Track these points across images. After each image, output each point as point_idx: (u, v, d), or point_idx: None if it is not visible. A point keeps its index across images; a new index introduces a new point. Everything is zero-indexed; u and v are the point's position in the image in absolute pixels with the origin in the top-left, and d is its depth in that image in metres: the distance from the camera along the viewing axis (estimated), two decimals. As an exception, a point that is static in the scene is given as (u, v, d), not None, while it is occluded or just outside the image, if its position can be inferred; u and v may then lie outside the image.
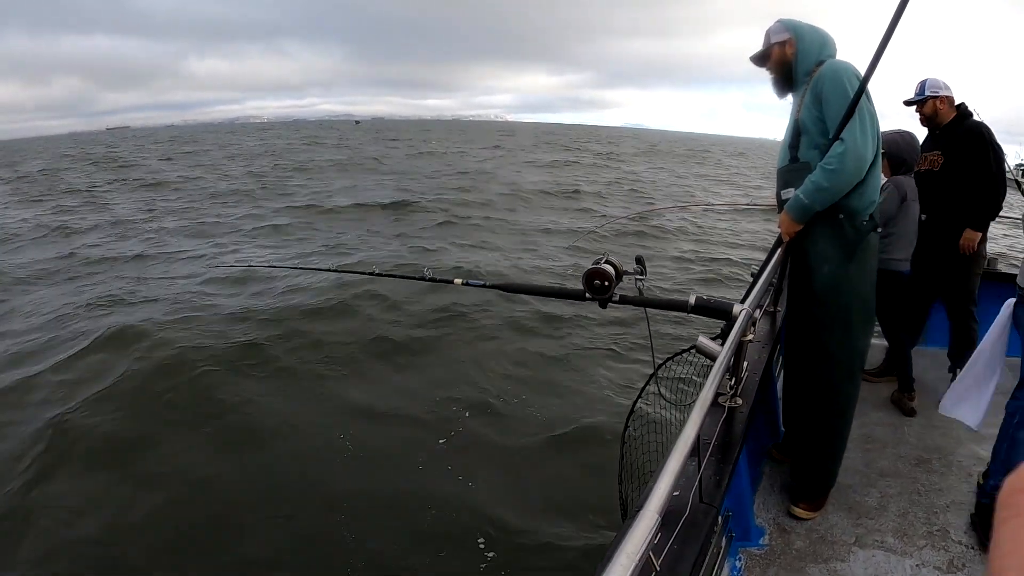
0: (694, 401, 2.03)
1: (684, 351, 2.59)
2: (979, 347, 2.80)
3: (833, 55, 2.55)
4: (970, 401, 2.80)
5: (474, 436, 4.91)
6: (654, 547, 1.06)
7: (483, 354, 6.61)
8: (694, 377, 2.54)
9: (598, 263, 2.13)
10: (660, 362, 2.57)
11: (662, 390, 2.51)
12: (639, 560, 0.97)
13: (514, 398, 5.57)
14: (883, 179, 2.82)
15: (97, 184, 25.34)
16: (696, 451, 1.56)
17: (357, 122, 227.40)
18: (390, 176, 26.37)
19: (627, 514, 2.49)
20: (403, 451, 4.65)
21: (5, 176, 31.91)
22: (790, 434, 3.04)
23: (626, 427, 2.57)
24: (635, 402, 2.59)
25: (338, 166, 31.43)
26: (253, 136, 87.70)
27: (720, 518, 1.89)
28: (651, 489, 1.12)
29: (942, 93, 3.72)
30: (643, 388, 2.61)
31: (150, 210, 17.39)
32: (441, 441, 4.82)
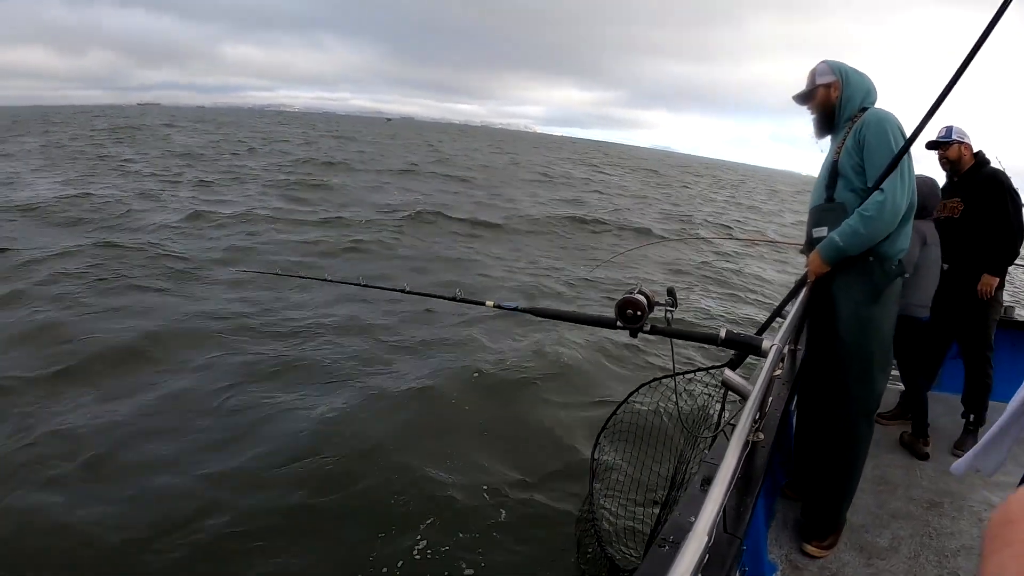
0: (720, 430, 2.04)
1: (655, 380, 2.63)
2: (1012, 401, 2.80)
3: (875, 102, 2.60)
4: (989, 450, 2.77)
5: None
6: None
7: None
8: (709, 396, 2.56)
9: (631, 293, 2.15)
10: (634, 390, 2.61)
11: (682, 418, 2.53)
12: None
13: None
14: None
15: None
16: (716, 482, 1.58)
17: (388, 120, 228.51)
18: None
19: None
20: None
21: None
22: (801, 472, 3.07)
23: (597, 441, 2.61)
24: (608, 420, 2.63)
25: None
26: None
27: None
28: (700, 510, 1.12)
29: (966, 140, 3.79)
30: (613, 412, 2.65)
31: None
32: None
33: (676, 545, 1.37)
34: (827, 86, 2.62)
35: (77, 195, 14.88)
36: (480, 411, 5.36)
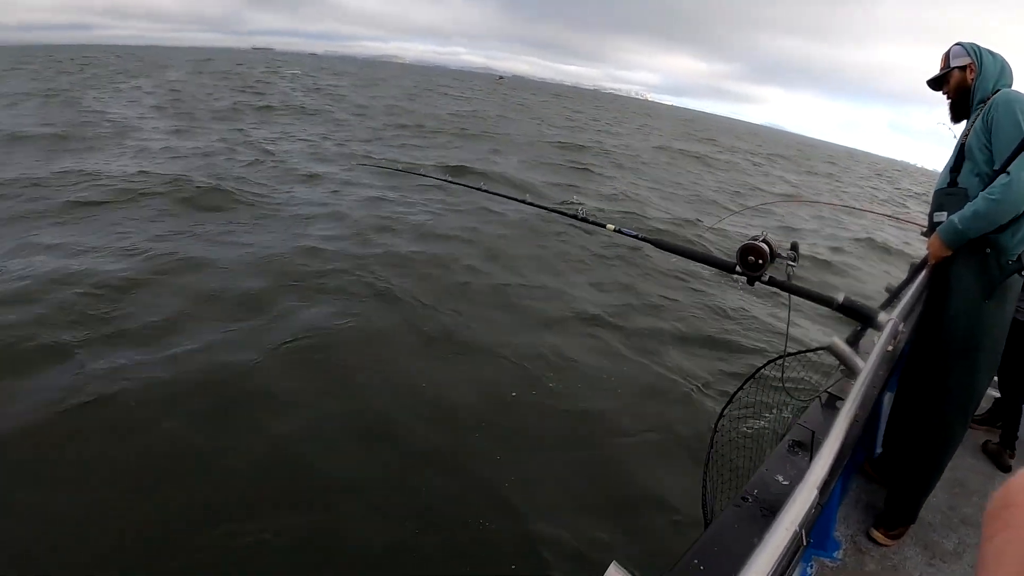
0: (808, 401, 2.04)
1: (793, 353, 2.60)
2: None
3: (1009, 84, 2.51)
4: None
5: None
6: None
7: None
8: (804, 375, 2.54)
9: (755, 239, 2.15)
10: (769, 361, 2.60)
11: (787, 387, 2.52)
12: (793, 533, 1.01)
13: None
14: None
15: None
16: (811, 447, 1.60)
17: (500, 78, 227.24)
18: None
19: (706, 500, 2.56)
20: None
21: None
22: (887, 455, 3.04)
23: (721, 415, 2.61)
24: (735, 393, 2.62)
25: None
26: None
27: None
28: (811, 463, 1.16)
29: None
30: (739, 387, 2.64)
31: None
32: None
33: (760, 501, 1.42)
34: (962, 68, 2.55)
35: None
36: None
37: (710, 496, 2.39)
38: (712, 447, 2.57)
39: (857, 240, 14.76)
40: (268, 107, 25.48)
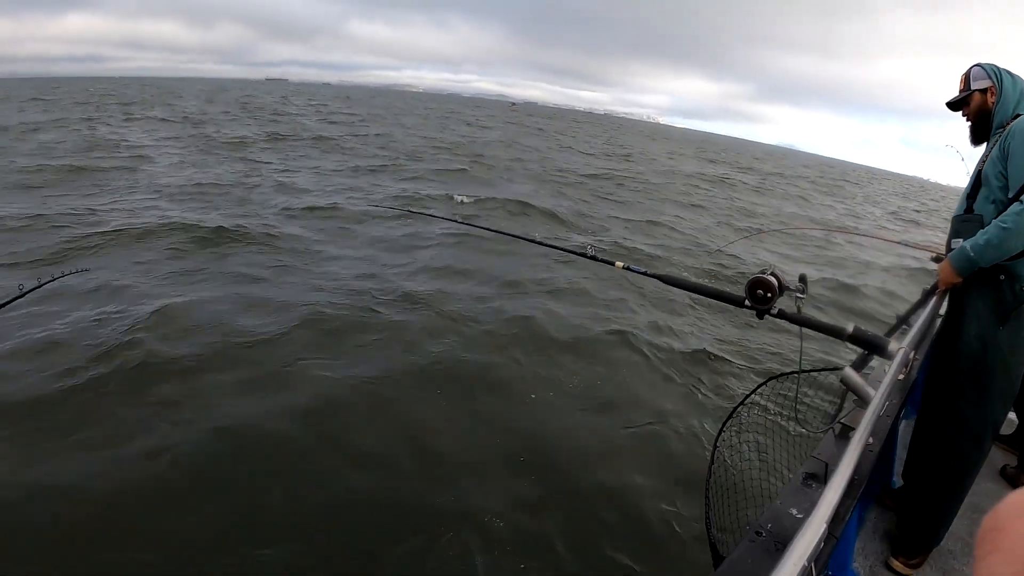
0: (832, 427, 2.05)
1: (787, 374, 2.61)
2: None
3: None
4: None
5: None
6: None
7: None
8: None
9: (763, 273, 2.14)
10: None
11: (798, 415, 2.53)
12: (802, 568, 1.00)
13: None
14: None
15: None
16: (825, 479, 1.60)
17: (514, 105, 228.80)
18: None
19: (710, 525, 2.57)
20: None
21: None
22: (908, 486, 2.99)
23: (719, 434, 2.63)
24: (732, 412, 2.64)
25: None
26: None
27: None
28: (817, 504, 1.16)
29: None
30: (740, 403, 2.66)
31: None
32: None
33: (773, 534, 1.42)
34: (983, 91, 2.51)
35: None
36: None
37: (713, 514, 2.41)
38: (712, 462, 2.59)
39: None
40: (279, 135, 25.72)
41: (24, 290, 2.89)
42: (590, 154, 32.20)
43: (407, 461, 4.43)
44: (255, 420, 4.67)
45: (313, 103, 56.47)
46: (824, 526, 1.09)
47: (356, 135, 29.80)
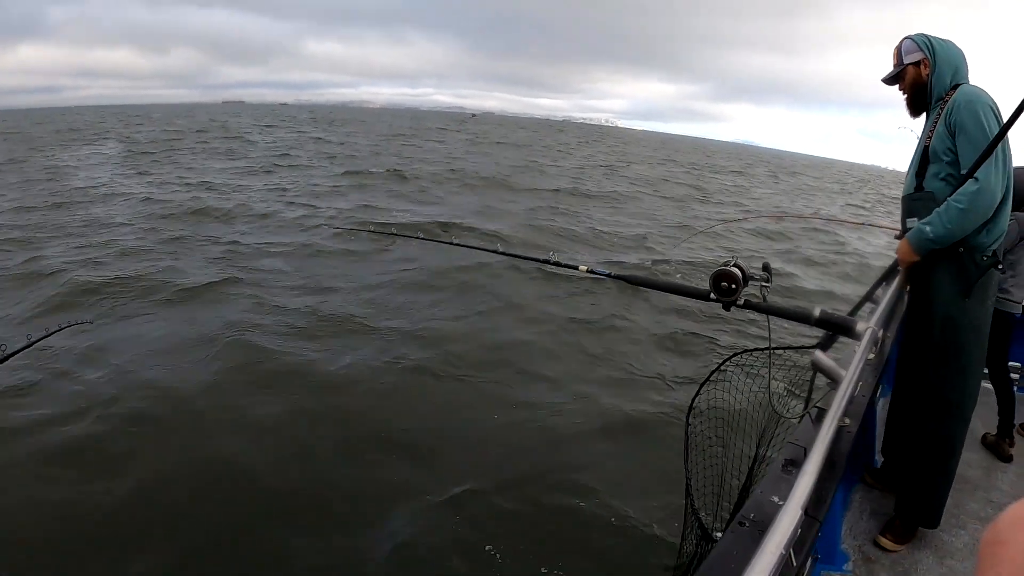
0: (807, 412, 2.05)
1: (752, 350, 2.63)
2: None
3: (966, 78, 2.48)
4: None
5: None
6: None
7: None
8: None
9: (727, 265, 2.14)
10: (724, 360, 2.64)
11: (774, 404, 2.53)
12: (781, 554, 1.00)
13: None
14: None
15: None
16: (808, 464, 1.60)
17: (473, 115, 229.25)
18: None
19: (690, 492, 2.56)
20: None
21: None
22: (889, 464, 3.03)
23: (691, 406, 2.64)
24: (699, 389, 2.65)
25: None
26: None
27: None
28: (791, 490, 1.16)
29: None
30: (706, 379, 2.67)
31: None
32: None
33: (757, 523, 1.41)
34: (916, 64, 2.51)
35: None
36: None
37: (695, 489, 2.41)
38: (688, 436, 2.60)
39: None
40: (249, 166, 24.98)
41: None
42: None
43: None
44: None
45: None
46: (800, 512, 1.08)
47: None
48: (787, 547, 1.01)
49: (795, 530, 1.06)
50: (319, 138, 40.32)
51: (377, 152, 31.73)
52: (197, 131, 45.88)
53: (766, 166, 64.22)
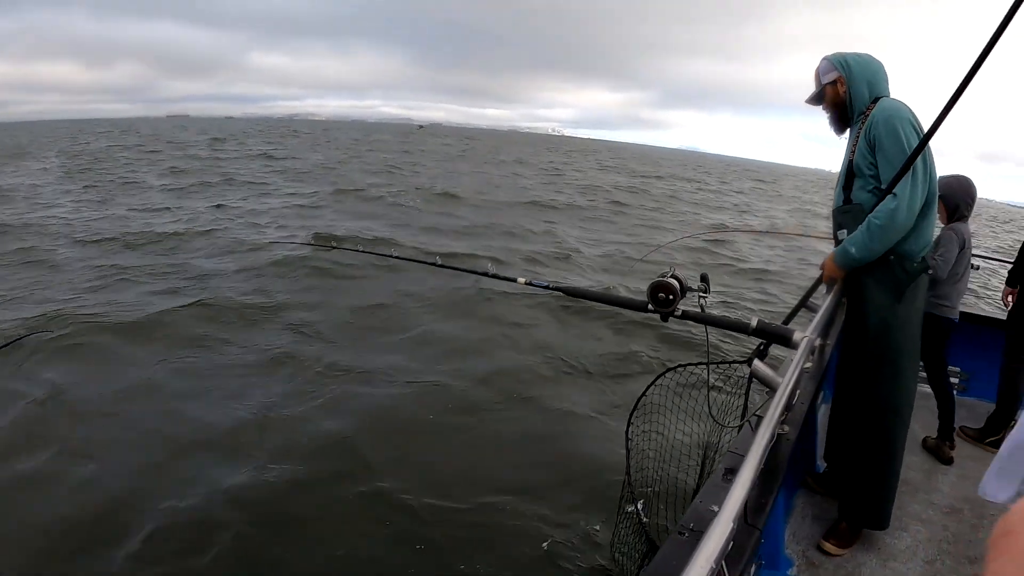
0: (746, 420, 2.05)
1: (689, 364, 2.67)
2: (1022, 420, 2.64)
3: (886, 91, 2.53)
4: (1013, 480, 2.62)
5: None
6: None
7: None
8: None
9: (664, 276, 2.14)
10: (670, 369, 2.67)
11: (714, 413, 2.55)
12: (713, 566, 0.99)
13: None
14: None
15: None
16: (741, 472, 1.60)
17: (420, 127, 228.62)
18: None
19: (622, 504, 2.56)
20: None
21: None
22: (832, 469, 3.06)
23: (630, 420, 2.64)
24: (639, 398, 2.66)
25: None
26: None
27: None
28: (725, 499, 1.14)
29: None
30: (643, 393, 2.69)
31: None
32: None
33: (696, 533, 1.39)
34: (833, 83, 2.57)
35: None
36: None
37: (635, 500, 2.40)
38: (628, 452, 2.60)
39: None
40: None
41: None
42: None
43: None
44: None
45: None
46: (732, 523, 1.07)
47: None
48: (719, 557, 1.00)
49: (728, 540, 1.05)
50: (266, 152, 39.32)
51: (330, 167, 31.03)
52: (136, 145, 44.41)
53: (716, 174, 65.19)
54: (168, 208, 15.78)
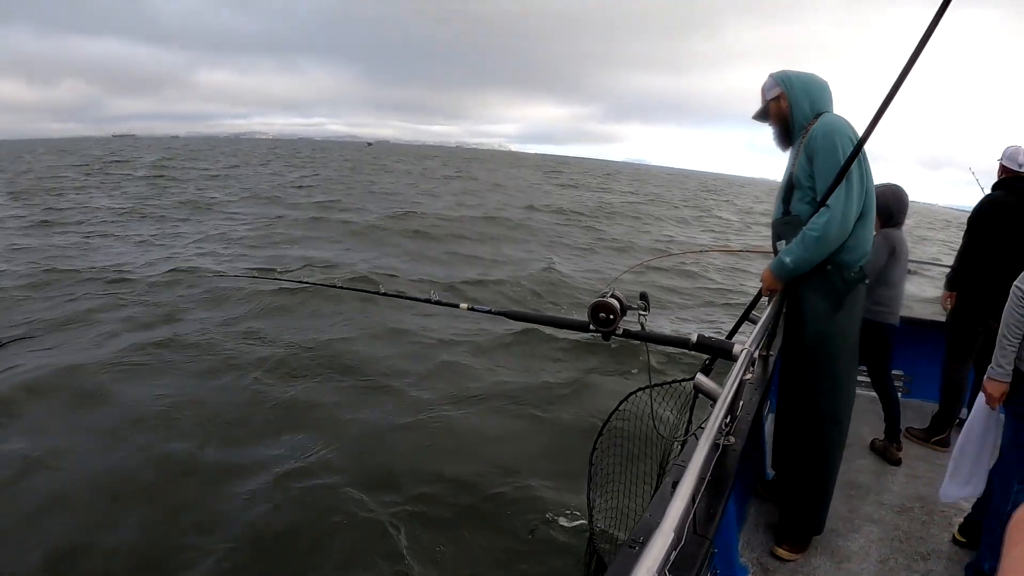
0: (691, 435, 2.06)
1: (658, 384, 2.68)
2: (968, 421, 2.68)
3: (828, 107, 2.58)
4: (971, 478, 2.68)
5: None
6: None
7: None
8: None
9: (604, 296, 2.15)
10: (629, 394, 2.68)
11: (657, 425, 2.56)
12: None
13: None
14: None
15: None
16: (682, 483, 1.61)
17: (369, 144, 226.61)
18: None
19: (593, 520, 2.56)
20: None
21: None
22: (779, 476, 3.11)
23: (595, 446, 2.65)
24: (605, 423, 2.68)
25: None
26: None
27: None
28: (665, 509, 1.14)
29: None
30: (604, 423, 2.71)
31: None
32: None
33: (644, 545, 1.39)
34: (776, 99, 2.62)
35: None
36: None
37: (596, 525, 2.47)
38: (591, 478, 2.61)
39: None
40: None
41: None
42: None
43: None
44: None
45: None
46: (673, 533, 1.07)
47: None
48: (662, 567, 1.00)
49: (670, 550, 1.05)
50: (214, 174, 38.16)
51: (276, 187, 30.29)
52: (78, 165, 42.98)
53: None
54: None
